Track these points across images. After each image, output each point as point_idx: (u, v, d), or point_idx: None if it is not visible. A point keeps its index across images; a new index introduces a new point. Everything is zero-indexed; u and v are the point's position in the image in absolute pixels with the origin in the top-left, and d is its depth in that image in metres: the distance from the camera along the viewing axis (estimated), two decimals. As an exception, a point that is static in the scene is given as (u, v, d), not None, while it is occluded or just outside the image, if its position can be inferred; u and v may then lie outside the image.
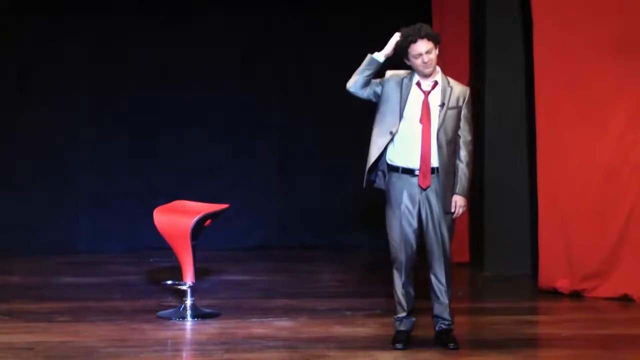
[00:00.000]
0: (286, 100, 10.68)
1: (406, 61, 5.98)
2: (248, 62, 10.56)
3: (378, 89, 6.01)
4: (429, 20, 9.31)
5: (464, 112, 6.01)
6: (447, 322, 6.10)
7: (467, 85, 6.46)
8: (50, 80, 10.21)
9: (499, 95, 8.81)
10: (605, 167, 7.71)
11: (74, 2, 10.21)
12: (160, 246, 7.61)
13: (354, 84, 6.00)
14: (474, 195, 9.03)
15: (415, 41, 5.88)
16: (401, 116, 5.94)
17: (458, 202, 5.99)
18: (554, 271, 7.90)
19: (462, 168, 6.00)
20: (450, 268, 6.10)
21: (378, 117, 6.03)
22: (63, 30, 10.23)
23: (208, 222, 7.26)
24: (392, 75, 6.04)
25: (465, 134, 6.01)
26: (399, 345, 6.05)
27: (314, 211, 10.58)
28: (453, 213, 5.99)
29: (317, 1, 10.53)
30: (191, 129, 10.47)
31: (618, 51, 7.60)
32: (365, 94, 6.01)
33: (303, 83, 10.61)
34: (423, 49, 5.89)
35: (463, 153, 6.01)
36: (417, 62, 5.92)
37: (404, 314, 6.10)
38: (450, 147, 5.95)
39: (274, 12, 10.58)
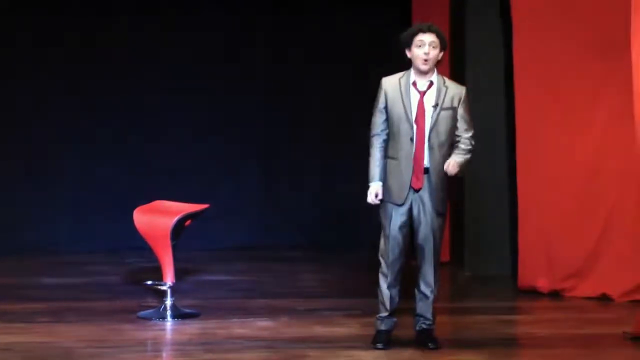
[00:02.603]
0: (266, 101, 10.68)
1: (407, 52, 5.91)
2: (246, 61, 10.58)
3: (385, 114, 5.91)
4: (409, 22, 9.34)
5: (460, 112, 5.95)
6: (428, 322, 6.08)
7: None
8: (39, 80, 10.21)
9: (479, 96, 8.81)
10: (585, 168, 7.73)
11: (73, 2, 10.21)
12: (141, 246, 7.59)
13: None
14: (455, 194, 9.06)
15: (424, 31, 5.86)
16: (410, 121, 5.86)
17: (452, 162, 5.86)
18: (534, 271, 7.93)
19: (462, 149, 5.93)
20: (439, 268, 6.09)
21: (390, 129, 5.92)
22: (62, 30, 10.21)
23: (188, 222, 7.25)
24: (388, 84, 5.94)
25: (463, 133, 5.96)
26: (379, 345, 6.04)
27: (295, 211, 10.59)
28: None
29: (306, 2, 10.56)
30: (175, 129, 10.47)
31: (597, 52, 7.61)
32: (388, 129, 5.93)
33: (296, 84, 10.61)
34: (428, 39, 5.85)
35: (463, 145, 5.94)
36: (418, 52, 5.85)
37: (386, 314, 6.07)
38: (442, 149, 5.90)
39: (273, 12, 10.59)
